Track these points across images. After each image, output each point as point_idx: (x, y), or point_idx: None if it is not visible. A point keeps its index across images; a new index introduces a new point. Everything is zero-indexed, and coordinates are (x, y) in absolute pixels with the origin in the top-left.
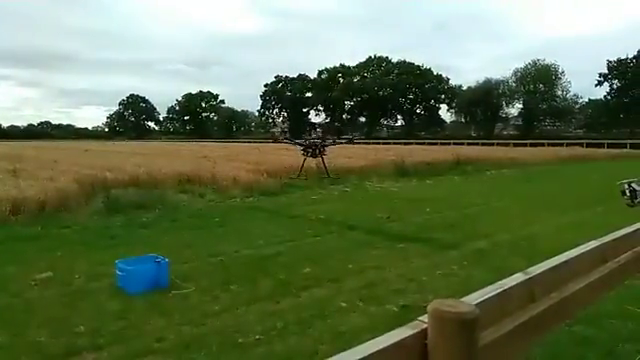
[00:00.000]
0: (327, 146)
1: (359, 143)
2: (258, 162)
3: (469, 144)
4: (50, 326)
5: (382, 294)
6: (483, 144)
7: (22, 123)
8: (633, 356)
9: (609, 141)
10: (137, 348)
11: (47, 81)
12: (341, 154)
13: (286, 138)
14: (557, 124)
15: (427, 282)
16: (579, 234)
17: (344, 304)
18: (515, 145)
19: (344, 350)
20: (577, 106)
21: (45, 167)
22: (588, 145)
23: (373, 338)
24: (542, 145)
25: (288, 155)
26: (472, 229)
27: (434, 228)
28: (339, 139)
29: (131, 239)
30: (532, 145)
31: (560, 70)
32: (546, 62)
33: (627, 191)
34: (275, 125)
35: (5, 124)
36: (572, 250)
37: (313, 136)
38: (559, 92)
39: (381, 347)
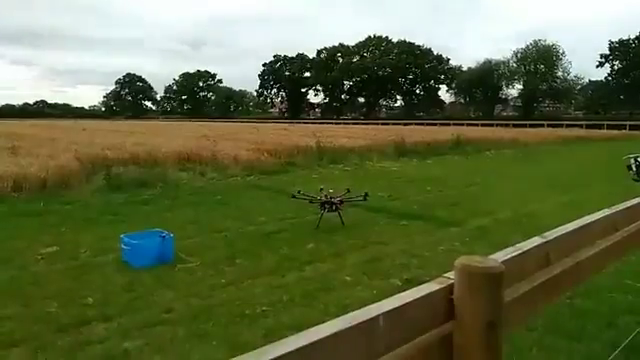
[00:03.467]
0: (343, 202)
1: (357, 124)
2: (258, 141)
3: (469, 125)
4: (59, 298)
5: (386, 269)
6: (483, 125)
7: (17, 102)
8: (633, 328)
9: (609, 122)
10: (146, 319)
11: (42, 59)
12: (341, 134)
13: (304, 196)
14: (557, 105)
15: (430, 257)
16: (579, 212)
17: (348, 278)
18: (515, 126)
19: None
20: (578, 87)
21: (44, 145)
22: (588, 126)
23: None
24: (542, 126)
25: (286, 136)
26: (473, 207)
27: (435, 206)
28: (356, 197)
29: (134, 215)
30: (532, 126)
31: (561, 51)
32: (547, 42)
33: (633, 166)
34: (273, 105)
35: (0, 103)
36: (586, 217)
37: (331, 191)
38: (560, 73)
39: (410, 300)
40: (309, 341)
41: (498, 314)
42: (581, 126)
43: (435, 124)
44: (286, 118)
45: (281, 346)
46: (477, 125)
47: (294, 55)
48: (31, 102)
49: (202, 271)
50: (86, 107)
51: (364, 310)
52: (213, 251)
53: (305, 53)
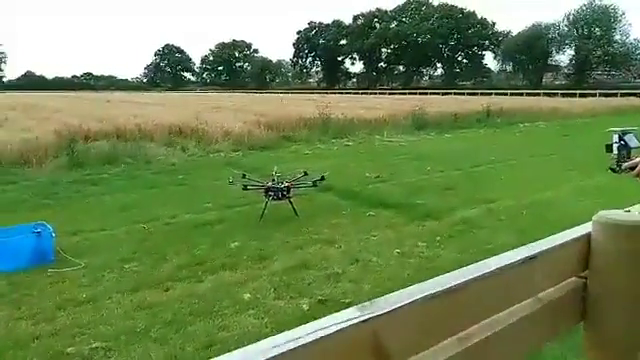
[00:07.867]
0: (291, 189)
1: (393, 93)
2: (262, 113)
3: (512, 94)
4: None
5: (307, 281)
6: (528, 94)
7: (66, 74)
8: None
9: None
10: None
11: (86, 30)
12: (359, 105)
13: (246, 180)
14: (613, 73)
15: (374, 265)
16: (599, 202)
17: (248, 295)
18: (563, 95)
19: None
20: (638, 52)
21: (36, 117)
22: None
23: None
24: (593, 95)
25: (301, 107)
26: (471, 192)
27: (425, 191)
28: (307, 182)
29: (69, 199)
30: (582, 95)
31: (620, 12)
32: (604, 3)
33: (615, 146)
34: (310, 75)
35: (50, 76)
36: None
37: (279, 174)
38: (617, 37)
39: None
40: None
41: None
42: (638, 95)
43: (476, 94)
44: (322, 88)
45: None
46: (522, 94)
47: (330, 22)
48: (79, 74)
49: (75, 279)
50: (129, 79)
51: None
52: (114, 249)
53: (341, 20)
